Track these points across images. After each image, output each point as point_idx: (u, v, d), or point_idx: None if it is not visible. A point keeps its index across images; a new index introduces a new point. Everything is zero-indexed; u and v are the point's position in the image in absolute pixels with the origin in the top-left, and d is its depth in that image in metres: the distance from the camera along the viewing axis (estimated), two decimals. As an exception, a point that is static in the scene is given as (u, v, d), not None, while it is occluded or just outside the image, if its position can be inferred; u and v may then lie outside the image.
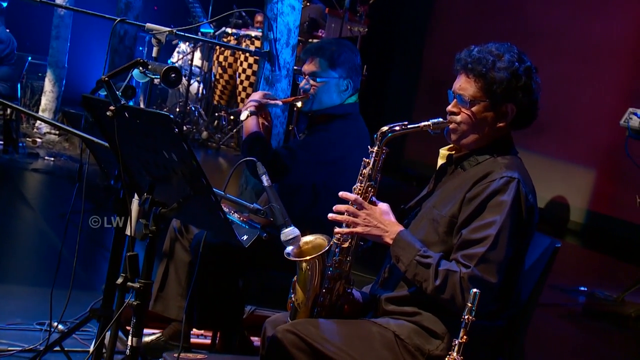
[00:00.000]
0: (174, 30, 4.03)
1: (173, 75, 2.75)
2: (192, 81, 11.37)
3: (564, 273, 7.10)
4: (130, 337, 2.77)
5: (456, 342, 2.51)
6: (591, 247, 8.84)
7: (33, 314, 4.59)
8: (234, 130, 10.76)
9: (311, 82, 4.17)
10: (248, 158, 3.15)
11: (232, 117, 11.11)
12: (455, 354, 2.52)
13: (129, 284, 2.76)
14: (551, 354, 5.04)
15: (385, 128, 3.03)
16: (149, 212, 2.75)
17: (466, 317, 2.48)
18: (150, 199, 2.75)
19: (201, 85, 11.54)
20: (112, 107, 2.65)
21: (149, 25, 4.02)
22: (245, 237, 2.89)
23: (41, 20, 12.58)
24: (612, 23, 9.16)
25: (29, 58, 10.25)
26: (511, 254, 2.83)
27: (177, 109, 11.40)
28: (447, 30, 11.29)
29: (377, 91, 11.36)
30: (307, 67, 4.21)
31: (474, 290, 2.48)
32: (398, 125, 3.03)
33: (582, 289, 6.38)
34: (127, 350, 2.77)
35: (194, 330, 4.38)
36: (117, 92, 2.72)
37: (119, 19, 4.09)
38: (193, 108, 11.30)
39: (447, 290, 2.80)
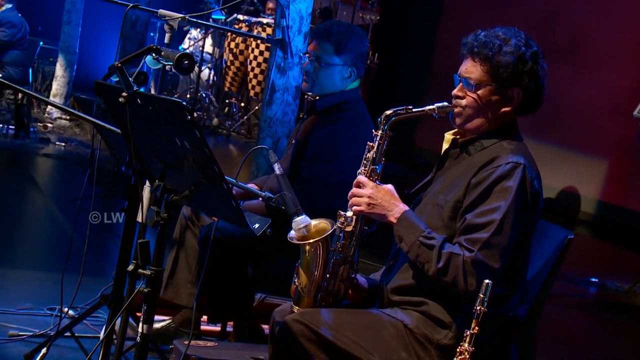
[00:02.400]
0: (187, 17, 4.02)
1: (186, 62, 2.73)
2: (203, 68, 11.35)
3: (574, 264, 7.08)
4: (141, 324, 2.77)
5: (468, 333, 2.50)
6: (602, 237, 8.81)
7: (44, 299, 4.60)
8: (245, 117, 10.76)
9: (315, 64, 4.14)
10: (260, 146, 3.14)
11: (242, 104, 11.10)
12: (466, 344, 2.51)
13: (140, 270, 2.75)
14: (560, 344, 5.03)
15: (389, 111, 3.02)
16: (161, 199, 2.74)
17: (478, 308, 2.47)
18: (162, 186, 2.75)
19: (212, 72, 11.51)
20: (124, 94, 2.64)
21: (161, 11, 4.01)
22: (257, 226, 2.88)
23: (53, 5, 12.57)
24: (626, 14, 9.11)
25: (41, 43, 10.28)
26: (515, 239, 2.82)
27: (188, 96, 11.39)
28: (460, 18, 11.24)
29: (389, 79, 11.33)
30: (313, 49, 4.17)
31: (487, 281, 2.47)
32: (402, 109, 3.01)
33: (593, 280, 6.37)
34: (138, 337, 2.77)
35: (204, 317, 4.38)
36: (130, 79, 2.71)
37: (131, 4, 4.07)
38: (204, 95, 11.29)
39: (450, 273, 2.78)
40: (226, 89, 11.11)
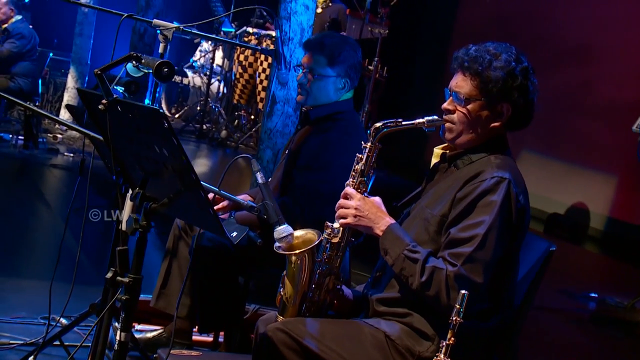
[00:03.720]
0: (181, 27, 4.01)
1: (166, 69, 2.74)
2: (212, 80, 11.38)
3: (579, 279, 7.05)
4: (119, 332, 2.77)
5: (444, 343, 2.49)
6: (610, 254, 8.75)
7: (39, 308, 4.59)
8: (253, 130, 10.76)
9: (309, 76, 4.15)
10: (243, 155, 3.14)
11: (252, 117, 11.11)
12: (442, 355, 2.50)
13: (118, 278, 2.75)
14: (553, 358, 4.99)
15: (379, 124, 3.03)
16: (140, 207, 2.74)
17: (454, 318, 2.46)
18: (141, 194, 2.75)
19: (222, 84, 11.53)
20: (104, 101, 2.65)
21: (156, 21, 4.00)
22: (234, 234, 2.88)
23: (66, 18, 12.64)
24: (632, 29, 9.08)
25: (51, 54, 10.32)
26: (499, 254, 2.81)
27: (198, 108, 11.42)
28: (470, 33, 11.23)
29: (398, 93, 11.31)
30: (306, 61, 4.19)
31: (463, 292, 2.46)
32: (392, 122, 3.02)
33: (593, 295, 6.33)
34: (116, 345, 2.77)
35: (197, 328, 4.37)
36: (110, 86, 2.72)
37: (125, 14, 4.06)
38: (214, 107, 11.31)
39: (433, 287, 2.78)
40: (235, 102, 11.12)
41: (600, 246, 8.96)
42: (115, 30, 3.75)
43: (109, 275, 2.77)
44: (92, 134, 3.36)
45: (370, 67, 9.59)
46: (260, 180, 3.02)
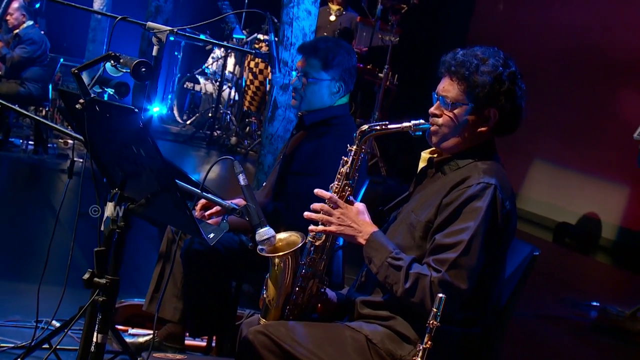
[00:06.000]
0: (175, 30, 3.99)
1: (143, 69, 2.72)
2: (224, 87, 11.37)
3: (584, 289, 6.98)
4: (95, 334, 2.75)
5: (420, 347, 2.47)
6: (621, 264, 8.67)
7: (34, 311, 4.58)
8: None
9: (303, 80, 4.12)
10: (225, 156, 3.11)
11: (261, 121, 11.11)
12: (419, 359, 2.47)
13: (96, 279, 2.73)
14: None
15: (365, 127, 3.01)
16: (117, 207, 2.73)
17: (431, 322, 2.44)
18: (119, 194, 2.73)
19: (233, 91, 11.51)
20: (81, 100, 2.64)
21: (149, 24, 3.98)
22: (211, 235, 2.85)
23: (79, 23, 12.69)
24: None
25: (61, 60, 10.34)
26: (484, 260, 2.79)
27: (209, 114, 11.41)
28: (485, 40, 11.13)
29: (408, 101, 11.26)
30: (301, 65, 4.16)
31: (440, 295, 2.44)
32: (379, 125, 3.01)
33: (594, 303, 6.26)
34: (92, 347, 2.75)
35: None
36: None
37: (119, 17, 4.04)
38: (224, 114, 11.30)
39: (417, 294, 2.76)
40: (245, 108, 11.11)
41: (612, 256, 8.89)
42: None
43: (86, 276, 2.76)
44: (78, 136, 3.35)
45: (380, 74, 9.57)
46: (242, 182, 2.99)
